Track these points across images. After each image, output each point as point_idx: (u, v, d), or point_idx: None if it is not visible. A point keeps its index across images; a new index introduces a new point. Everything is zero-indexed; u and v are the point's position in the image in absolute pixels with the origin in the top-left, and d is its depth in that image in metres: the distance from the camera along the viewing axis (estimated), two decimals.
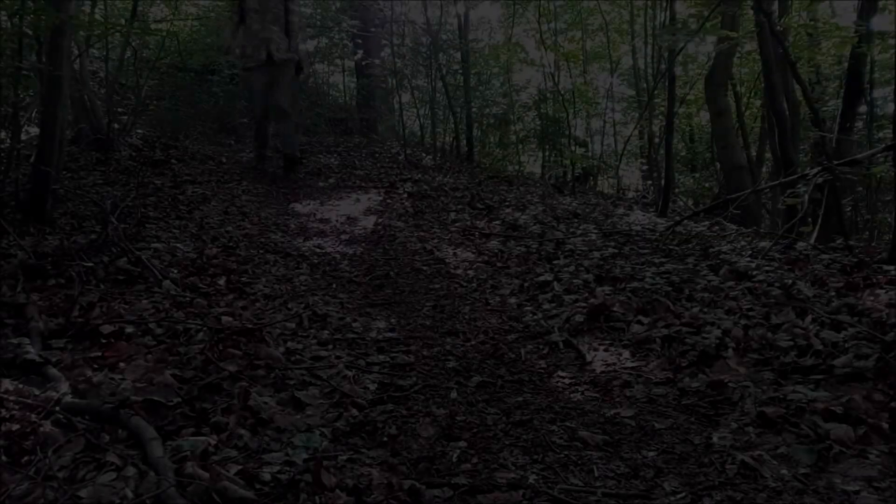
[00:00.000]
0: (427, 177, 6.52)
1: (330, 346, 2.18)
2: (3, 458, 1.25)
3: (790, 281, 2.74)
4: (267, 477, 1.27)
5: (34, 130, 3.97)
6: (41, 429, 1.34)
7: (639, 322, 2.46)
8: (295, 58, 5.91)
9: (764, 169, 8.53)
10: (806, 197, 3.61)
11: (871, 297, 2.41)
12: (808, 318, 2.30)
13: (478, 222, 4.84)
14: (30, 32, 3.07)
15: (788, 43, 6.03)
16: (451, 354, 2.19)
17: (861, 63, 5.05)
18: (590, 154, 9.49)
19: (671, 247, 3.85)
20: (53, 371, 1.66)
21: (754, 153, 8.34)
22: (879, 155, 3.86)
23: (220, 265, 3.03)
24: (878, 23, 5.14)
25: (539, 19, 8.73)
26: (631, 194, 9.38)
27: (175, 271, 2.77)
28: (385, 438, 1.53)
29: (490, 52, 9.60)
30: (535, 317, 2.64)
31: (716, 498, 1.30)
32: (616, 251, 3.68)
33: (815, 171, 3.71)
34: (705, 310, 2.47)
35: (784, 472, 1.40)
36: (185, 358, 1.86)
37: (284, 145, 6.08)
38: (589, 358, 2.20)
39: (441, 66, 8.21)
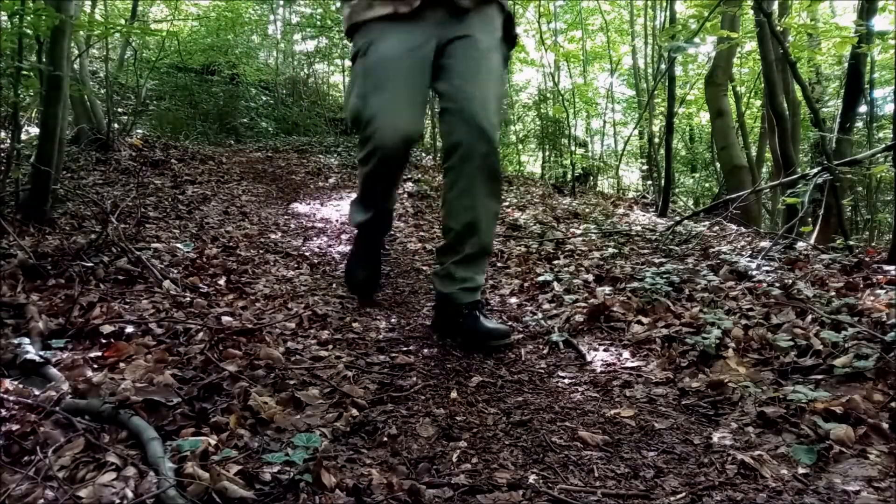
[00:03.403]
0: (427, 177, 6.51)
1: (330, 346, 2.18)
2: (3, 458, 1.25)
3: (790, 281, 2.74)
4: (267, 477, 1.27)
5: (34, 130, 3.97)
6: (41, 429, 1.34)
7: (639, 322, 2.46)
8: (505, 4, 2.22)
9: (764, 169, 8.54)
10: (806, 197, 3.61)
11: (871, 297, 2.41)
12: (808, 318, 2.30)
13: None
14: (30, 32, 3.08)
15: (788, 43, 6.03)
16: (452, 354, 2.19)
17: (861, 63, 5.05)
18: (590, 154, 9.50)
19: (671, 247, 3.85)
20: (53, 371, 1.66)
21: (754, 153, 8.34)
22: (879, 155, 3.87)
23: (220, 265, 3.03)
24: (879, 23, 5.14)
25: (539, 19, 8.74)
26: (631, 194, 9.38)
27: (175, 271, 2.77)
28: (385, 438, 1.53)
29: None
30: (535, 317, 2.64)
31: (716, 498, 1.30)
32: (616, 251, 3.68)
33: (815, 171, 3.71)
34: (705, 310, 2.47)
35: (784, 472, 1.40)
36: (185, 358, 1.86)
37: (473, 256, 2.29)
38: (589, 358, 2.20)
39: None
